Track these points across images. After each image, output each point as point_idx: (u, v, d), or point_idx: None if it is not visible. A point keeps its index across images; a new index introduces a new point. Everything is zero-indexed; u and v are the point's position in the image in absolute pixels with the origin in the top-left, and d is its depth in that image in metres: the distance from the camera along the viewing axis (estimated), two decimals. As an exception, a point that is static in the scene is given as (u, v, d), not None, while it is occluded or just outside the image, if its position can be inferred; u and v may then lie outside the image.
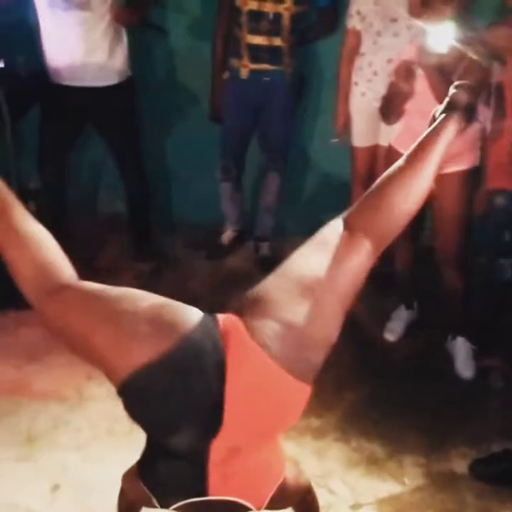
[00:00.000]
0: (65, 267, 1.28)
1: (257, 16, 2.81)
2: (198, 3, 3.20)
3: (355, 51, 2.79)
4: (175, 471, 1.25)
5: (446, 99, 1.45)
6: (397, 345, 2.73)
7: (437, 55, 2.06)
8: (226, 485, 1.23)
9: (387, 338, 2.75)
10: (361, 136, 2.89)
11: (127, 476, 1.47)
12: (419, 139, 1.38)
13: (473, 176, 2.39)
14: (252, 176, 3.31)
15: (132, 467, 1.39)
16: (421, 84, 2.25)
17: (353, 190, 3.02)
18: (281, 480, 1.32)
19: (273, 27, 2.82)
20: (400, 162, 1.35)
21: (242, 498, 1.25)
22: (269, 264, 3.36)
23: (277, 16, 2.80)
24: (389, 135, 2.58)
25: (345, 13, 2.79)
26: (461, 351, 2.56)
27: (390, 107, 2.39)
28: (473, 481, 2.09)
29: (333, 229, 1.33)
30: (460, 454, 2.20)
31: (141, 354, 1.13)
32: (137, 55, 2.99)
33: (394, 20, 2.63)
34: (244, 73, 2.93)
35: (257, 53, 2.88)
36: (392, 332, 2.76)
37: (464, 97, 1.43)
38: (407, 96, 2.30)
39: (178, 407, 1.16)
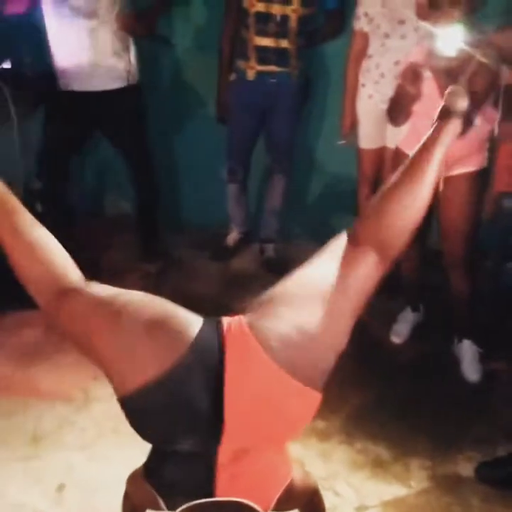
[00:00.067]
0: (71, 270, 1.28)
1: (264, 17, 2.81)
2: (204, 5, 3.20)
3: (363, 53, 2.79)
4: (182, 473, 1.25)
5: (441, 105, 1.45)
6: (403, 348, 2.72)
7: (446, 58, 2.05)
8: (233, 486, 1.23)
9: (393, 340, 2.75)
10: (368, 138, 2.89)
11: (132, 479, 1.47)
12: (417, 147, 1.38)
13: (481, 178, 2.38)
14: (258, 177, 3.32)
15: (137, 469, 1.39)
16: (428, 87, 2.25)
17: (360, 192, 3.02)
18: (288, 481, 1.32)
19: (280, 29, 2.83)
20: (399, 171, 1.35)
21: (250, 499, 1.25)
22: (274, 266, 3.43)
23: (284, 18, 2.81)
24: (396, 137, 2.58)
25: (352, 15, 2.79)
26: (468, 354, 2.55)
27: (397, 109, 2.39)
28: (479, 484, 2.08)
29: (339, 242, 1.34)
30: (466, 457, 2.19)
31: (138, 376, 1.15)
32: (144, 57, 2.99)
33: (401, 22, 2.63)
34: (250, 75, 2.93)
35: (264, 55, 2.88)
36: (398, 334, 2.75)
37: (458, 103, 1.44)
38: (414, 98, 2.29)
39: (177, 421, 1.18)
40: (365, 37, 2.76)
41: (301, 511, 1.55)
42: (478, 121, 1.48)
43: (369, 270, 1.29)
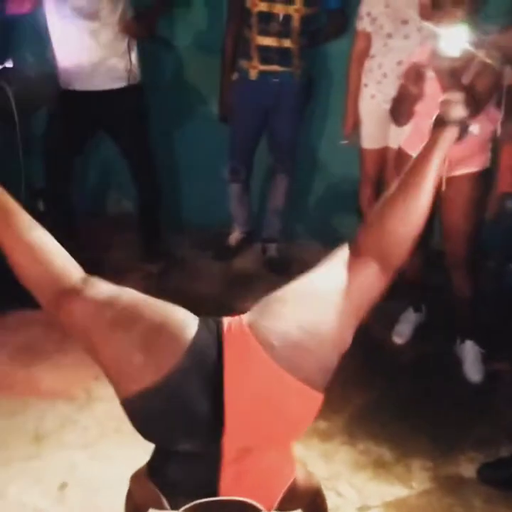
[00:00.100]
0: (70, 269, 1.29)
1: (267, 17, 2.81)
2: (205, 5, 3.20)
3: (365, 53, 2.79)
4: (186, 472, 1.25)
5: (436, 115, 1.46)
6: (405, 348, 2.72)
7: (449, 58, 2.05)
8: (237, 485, 1.23)
9: (395, 340, 2.75)
10: (370, 138, 2.89)
11: (136, 477, 1.48)
12: (414, 157, 1.39)
13: (484, 179, 2.38)
14: (260, 177, 3.32)
15: (141, 468, 1.39)
16: (431, 87, 2.24)
17: (362, 192, 3.01)
18: (292, 481, 1.32)
19: (283, 28, 2.83)
20: (398, 181, 1.36)
21: (253, 498, 1.25)
22: (277, 265, 3.43)
23: (287, 18, 2.81)
24: (398, 137, 2.57)
25: (355, 15, 2.79)
26: (470, 355, 2.55)
27: (400, 109, 2.39)
28: (481, 485, 2.08)
29: (342, 252, 1.34)
30: (468, 458, 2.19)
31: (136, 382, 1.16)
32: (146, 57, 2.99)
33: (404, 22, 2.63)
34: (253, 74, 2.93)
35: (266, 54, 2.88)
36: (401, 335, 2.75)
37: (453, 111, 1.44)
38: (417, 98, 2.29)
39: (177, 424, 1.19)
40: (368, 37, 2.76)
41: (304, 511, 1.55)
42: (475, 128, 1.48)
43: (371, 280, 1.29)
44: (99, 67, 2.79)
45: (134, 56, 2.85)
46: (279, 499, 1.29)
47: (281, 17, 2.81)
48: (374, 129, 2.86)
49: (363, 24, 2.74)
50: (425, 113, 2.29)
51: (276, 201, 3.23)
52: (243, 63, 2.95)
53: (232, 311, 1.29)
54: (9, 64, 2.81)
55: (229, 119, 3.09)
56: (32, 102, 2.87)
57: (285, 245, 3.33)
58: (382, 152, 2.89)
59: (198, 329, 1.21)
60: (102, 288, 1.27)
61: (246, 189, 3.25)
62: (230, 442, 1.19)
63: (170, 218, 3.42)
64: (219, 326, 1.24)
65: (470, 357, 2.55)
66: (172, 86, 3.35)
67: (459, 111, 1.45)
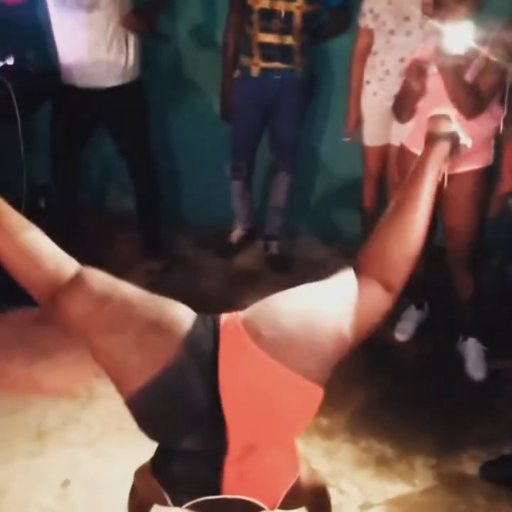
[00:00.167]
0: (65, 267, 1.27)
1: (268, 14, 2.80)
2: (207, 1, 3.19)
3: (368, 50, 2.78)
4: (189, 470, 1.25)
5: (426, 133, 1.47)
6: (407, 346, 2.72)
7: (453, 55, 2.04)
8: (240, 484, 1.23)
9: (397, 338, 2.74)
10: (373, 135, 2.88)
11: (140, 473, 1.48)
12: (408, 177, 1.39)
13: (487, 176, 2.37)
14: (262, 174, 3.31)
15: (146, 464, 1.39)
16: (433, 83, 2.24)
17: (364, 189, 3.01)
18: (296, 479, 1.32)
19: (284, 25, 2.82)
20: (394, 200, 1.36)
21: (256, 497, 1.25)
22: (278, 263, 3.42)
23: (289, 15, 2.80)
24: (400, 134, 2.57)
25: (357, 12, 2.78)
26: (473, 352, 2.55)
27: (403, 106, 2.38)
28: (484, 483, 2.08)
29: (345, 274, 1.33)
30: (471, 456, 2.19)
31: (134, 379, 1.17)
32: (146, 54, 2.98)
33: (407, 18, 2.62)
34: (255, 72, 2.93)
35: (268, 52, 2.87)
36: (403, 332, 2.75)
37: (441, 127, 1.45)
38: (419, 94, 2.28)
39: (177, 420, 1.19)
40: (370, 34, 2.75)
41: (308, 508, 1.55)
42: (468, 142, 1.48)
43: (374, 301, 1.29)
44: (99, 63, 2.78)
45: (133, 52, 2.84)
46: (282, 497, 1.29)
47: (282, 14, 2.80)
48: (376, 126, 2.85)
49: (365, 21, 2.73)
50: (428, 110, 2.27)
51: (278, 199, 3.22)
52: (245, 60, 2.94)
53: (234, 309, 1.29)
54: (10, 61, 2.81)
55: (230, 117, 3.08)
56: (33, 98, 2.86)
57: (287, 243, 3.32)
58: (385, 149, 2.88)
59: (194, 324, 1.22)
60: (96, 285, 1.25)
61: (247, 186, 3.24)
62: (234, 439, 1.19)
63: (172, 216, 3.42)
64: (216, 322, 1.24)
65: (472, 355, 2.55)
66: (173, 83, 3.34)
67: (448, 125, 1.46)
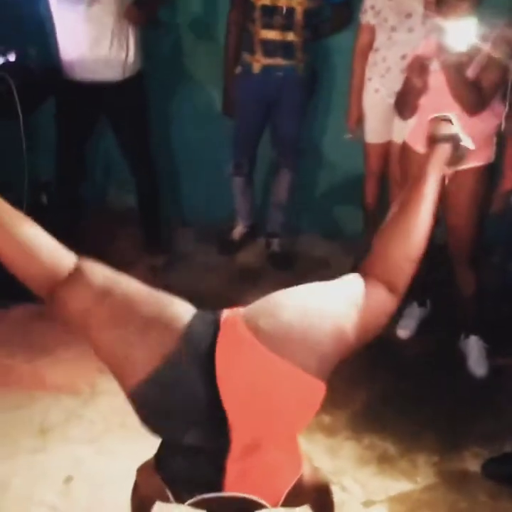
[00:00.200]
0: (62, 260, 1.27)
1: (270, 10, 2.79)
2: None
3: (369, 46, 2.77)
4: (192, 466, 1.25)
5: (427, 135, 1.47)
6: (409, 343, 2.72)
7: (456, 52, 2.03)
8: (242, 482, 1.23)
9: (399, 335, 2.74)
10: (374, 132, 2.87)
11: (143, 470, 1.48)
12: (411, 177, 1.41)
13: (488, 173, 2.37)
14: (264, 171, 3.30)
15: (149, 460, 1.40)
16: (435, 80, 2.23)
17: (366, 187, 3.01)
18: (298, 478, 1.32)
19: (286, 22, 2.81)
20: (396, 203, 1.37)
21: (258, 495, 1.25)
22: (280, 260, 3.42)
23: (290, 11, 2.79)
24: (402, 131, 2.56)
25: (359, 8, 2.77)
26: (474, 349, 2.55)
27: (405, 102, 2.38)
28: (486, 480, 2.08)
29: (350, 277, 1.33)
30: (473, 453, 2.19)
31: (135, 373, 1.17)
32: (148, 49, 2.97)
33: (408, 15, 2.61)
34: (256, 68, 2.92)
35: (269, 48, 2.86)
36: (405, 329, 2.74)
37: (441, 130, 1.45)
38: (421, 91, 2.28)
39: (177, 413, 1.19)
40: (372, 30, 2.74)
41: (311, 506, 1.55)
42: (470, 144, 1.48)
43: (379, 303, 1.29)
44: (100, 58, 2.78)
45: (134, 47, 2.84)
46: (284, 495, 1.29)
47: (284, 10, 2.79)
48: (378, 123, 2.85)
49: (367, 17, 2.73)
50: (430, 107, 2.28)
51: (280, 196, 3.22)
52: (246, 57, 2.93)
53: (235, 306, 1.29)
54: (12, 57, 2.80)
55: (232, 113, 3.07)
56: (35, 95, 2.86)
57: (288, 240, 3.32)
58: (386, 146, 2.88)
59: (193, 319, 1.22)
60: (97, 278, 1.25)
61: (249, 183, 3.24)
62: (237, 435, 1.19)
63: (173, 212, 3.42)
64: (217, 317, 1.24)
65: (474, 352, 2.55)
66: (174, 79, 3.34)
67: (448, 127, 1.46)
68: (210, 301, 1.28)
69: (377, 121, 2.84)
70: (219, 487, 1.23)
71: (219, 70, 3.04)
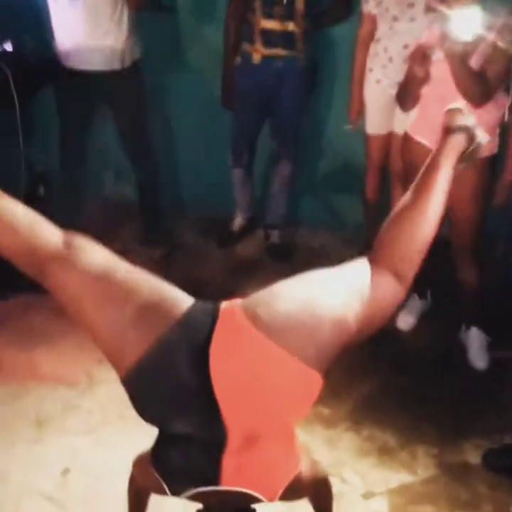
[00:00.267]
0: (49, 235, 1.25)
1: (270, 0, 2.76)
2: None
3: (371, 36, 2.75)
4: (189, 459, 1.24)
5: (442, 125, 1.45)
6: (409, 335, 2.70)
7: (460, 41, 2.01)
8: (239, 476, 1.22)
9: (399, 327, 2.73)
10: (375, 123, 2.85)
11: (139, 462, 1.47)
12: (423, 168, 1.37)
13: (491, 165, 2.35)
14: (263, 163, 3.29)
15: (144, 453, 1.38)
16: (437, 70, 2.21)
17: (367, 179, 2.99)
18: (297, 473, 1.30)
19: (286, 11, 2.78)
20: (408, 194, 1.35)
21: (255, 489, 1.24)
22: (279, 252, 3.40)
23: (291, 1, 2.76)
24: (404, 122, 2.54)
25: (360, -2, 2.75)
26: (475, 342, 2.53)
27: (406, 93, 2.35)
28: (486, 472, 2.08)
29: (358, 263, 1.32)
30: (473, 445, 2.18)
31: (129, 355, 1.16)
32: (147, 38, 2.95)
33: (410, 5, 2.59)
34: (256, 58, 2.89)
35: (270, 38, 2.84)
36: (405, 321, 2.73)
37: (457, 120, 1.43)
38: (423, 81, 2.26)
39: (169, 398, 1.17)
40: (374, 19, 2.71)
41: (310, 499, 1.54)
42: (485, 137, 1.46)
43: (386, 291, 1.27)
44: (96, 46, 2.76)
45: (131, 36, 2.81)
46: (282, 490, 1.27)
47: (284, 0, 2.76)
48: (379, 114, 2.82)
49: (368, 7, 2.70)
50: (432, 97, 2.26)
51: (279, 187, 3.20)
52: (246, 47, 2.91)
53: (234, 297, 1.28)
54: (8, 46, 2.78)
55: (232, 104, 3.05)
56: (31, 84, 2.84)
57: (288, 231, 3.31)
58: (387, 138, 2.86)
59: (192, 307, 1.21)
60: (96, 257, 1.24)
61: (249, 174, 3.22)
62: (232, 426, 1.17)
63: (172, 204, 3.40)
64: (216, 307, 1.23)
65: (475, 344, 2.53)
66: (173, 70, 3.31)
67: (464, 118, 1.44)
68: (208, 293, 1.27)
69: (379, 112, 2.82)
70: (215, 481, 1.22)
71: (219, 61, 3.01)
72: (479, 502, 2.00)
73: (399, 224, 1.32)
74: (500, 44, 2.05)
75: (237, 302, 1.24)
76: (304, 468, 1.34)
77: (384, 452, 2.15)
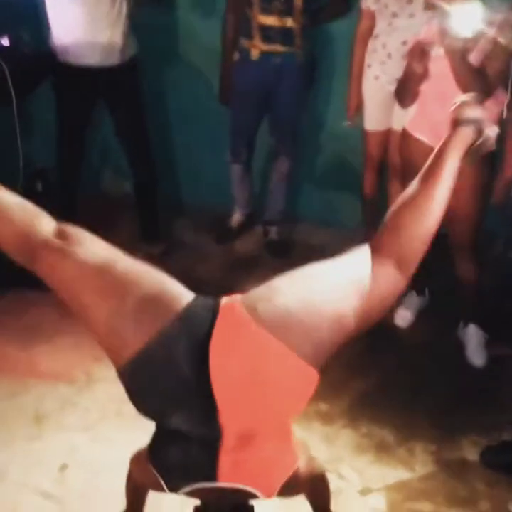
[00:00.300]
0: (41, 222, 1.25)
1: (269, -5, 2.76)
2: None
3: (370, 33, 2.74)
4: (186, 456, 1.24)
5: (451, 117, 1.44)
6: (407, 331, 2.71)
7: (461, 38, 2.00)
8: (236, 472, 1.22)
9: (397, 324, 2.73)
10: (374, 120, 2.85)
11: (136, 459, 1.47)
12: (430, 159, 1.36)
13: (489, 162, 2.34)
14: (262, 159, 3.28)
15: (142, 450, 1.38)
16: (436, 66, 2.20)
17: (365, 176, 2.98)
18: (294, 469, 1.30)
19: (285, 7, 2.77)
20: (414, 184, 1.34)
21: (252, 486, 1.24)
22: (277, 248, 3.39)
23: (289, -4, 2.75)
24: (402, 119, 2.54)
25: (359, -6, 2.74)
26: (473, 338, 2.54)
27: (405, 89, 2.35)
28: (484, 468, 2.08)
29: (360, 252, 1.31)
30: (471, 441, 2.19)
31: (128, 347, 1.15)
32: (145, 35, 2.93)
33: (410, 1, 2.58)
34: (254, 54, 2.88)
35: (268, 34, 2.83)
36: (403, 318, 2.73)
37: (465, 113, 1.42)
38: (422, 77, 2.25)
39: (166, 392, 1.17)
40: (372, 16, 2.70)
41: (307, 496, 1.54)
42: (493, 131, 1.45)
43: (387, 281, 1.27)
44: (93, 41, 2.74)
45: (128, 31, 2.80)
46: (279, 486, 1.28)
47: (283, -5, 2.76)
48: (377, 110, 2.82)
49: (367, 3, 2.69)
50: (430, 93, 2.26)
51: (278, 184, 3.19)
52: (244, 42, 2.90)
53: (233, 293, 1.27)
54: (5, 42, 2.77)
55: (230, 100, 3.04)
56: (29, 79, 2.82)
57: (286, 228, 3.30)
58: (386, 134, 2.85)
59: (192, 301, 1.21)
60: (96, 247, 1.24)
61: (247, 170, 3.22)
62: (228, 422, 1.17)
63: (171, 200, 3.39)
64: (217, 303, 1.22)
65: (473, 341, 2.54)
66: (171, 66, 3.30)
67: (473, 111, 1.43)
68: (207, 289, 1.27)
69: (377, 108, 2.81)
70: (212, 477, 1.22)
71: (217, 57, 3.00)
72: (477, 499, 2.00)
73: (404, 211, 1.31)
74: (500, 40, 2.04)
75: (237, 297, 1.23)
76: (302, 465, 1.34)
77: (382, 449, 2.16)
